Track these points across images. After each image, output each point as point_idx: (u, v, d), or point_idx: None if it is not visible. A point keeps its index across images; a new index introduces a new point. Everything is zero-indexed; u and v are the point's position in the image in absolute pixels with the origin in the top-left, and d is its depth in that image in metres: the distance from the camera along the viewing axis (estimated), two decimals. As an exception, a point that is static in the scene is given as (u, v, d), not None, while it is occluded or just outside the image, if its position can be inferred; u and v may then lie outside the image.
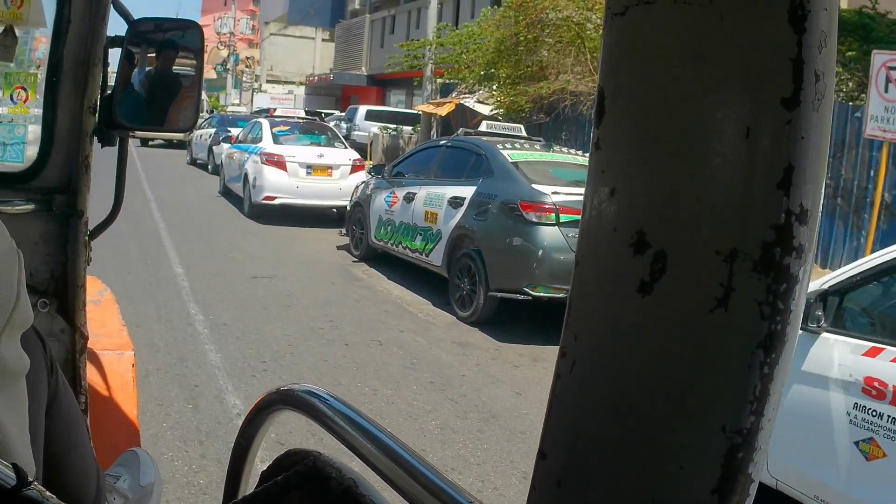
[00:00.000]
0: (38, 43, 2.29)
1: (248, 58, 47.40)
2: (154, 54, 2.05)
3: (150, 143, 31.47)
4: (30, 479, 0.68)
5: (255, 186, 14.36)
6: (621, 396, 0.54)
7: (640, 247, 0.53)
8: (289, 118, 16.61)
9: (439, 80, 25.19)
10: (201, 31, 2.10)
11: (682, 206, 0.51)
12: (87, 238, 2.04)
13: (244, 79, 46.97)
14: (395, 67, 27.03)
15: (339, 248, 12.25)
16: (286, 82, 48.66)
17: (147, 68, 2.05)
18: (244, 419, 1.23)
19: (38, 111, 2.05)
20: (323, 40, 50.10)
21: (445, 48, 22.33)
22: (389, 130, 28.58)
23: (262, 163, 14.25)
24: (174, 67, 2.06)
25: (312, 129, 16.01)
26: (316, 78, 46.50)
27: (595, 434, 0.56)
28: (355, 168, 14.50)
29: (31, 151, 2.07)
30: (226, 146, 17.69)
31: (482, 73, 19.97)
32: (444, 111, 22.30)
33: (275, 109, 18.07)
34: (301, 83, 47.95)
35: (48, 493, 0.69)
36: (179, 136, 28.06)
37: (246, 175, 14.89)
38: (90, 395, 2.13)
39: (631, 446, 0.54)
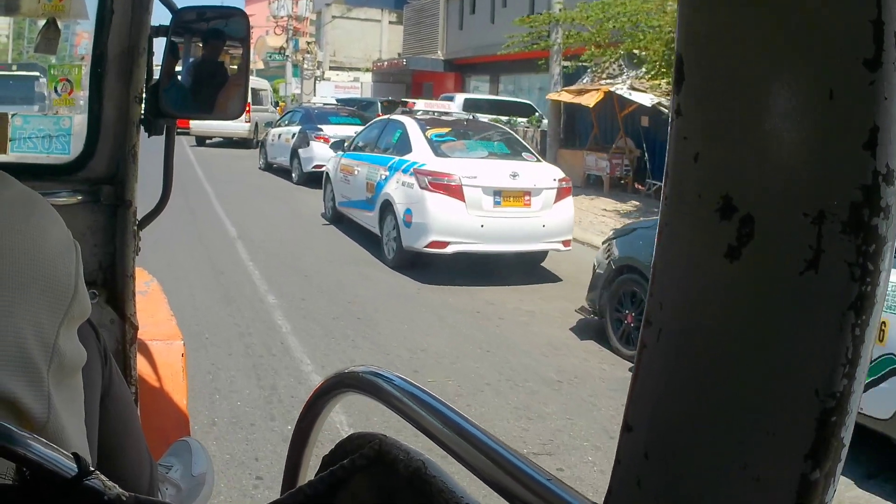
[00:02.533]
0: (80, 39, 2.41)
1: (309, 42, 42.54)
2: (199, 43, 2.06)
3: (208, 141, 26.82)
4: (91, 468, 0.68)
5: (409, 224, 8.99)
6: (711, 364, 0.54)
7: (726, 212, 0.52)
8: (443, 115, 11.26)
9: (566, 64, 21.25)
10: (246, 19, 2.09)
11: (767, 170, 0.51)
12: (135, 228, 2.03)
13: (305, 66, 42.08)
14: (515, 48, 23.30)
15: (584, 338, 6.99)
16: (351, 69, 43.84)
17: (192, 57, 2.05)
18: (305, 403, 1.19)
19: (84, 103, 2.05)
20: (390, 23, 45.53)
21: (575, 24, 19.23)
22: (505, 124, 23.48)
23: (422, 187, 8.87)
24: (219, 56, 2.06)
25: (486, 131, 10.60)
26: (385, 64, 41.80)
27: (683, 403, 0.55)
28: (562, 193, 9.19)
29: (78, 143, 2.06)
30: (332, 155, 12.60)
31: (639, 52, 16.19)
32: (590, 100, 17.14)
33: (413, 103, 12.58)
34: (367, 69, 43.10)
35: (110, 482, 0.70)
36: (240, 132, 24.81)
37: (390, 204, 9.54)
38: (140, 385, 2.12)
39: (721, 414, 0.53)
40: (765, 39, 0.50)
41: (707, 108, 0.54)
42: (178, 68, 2.03)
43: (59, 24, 2.02)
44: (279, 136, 18.66)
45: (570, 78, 21.78)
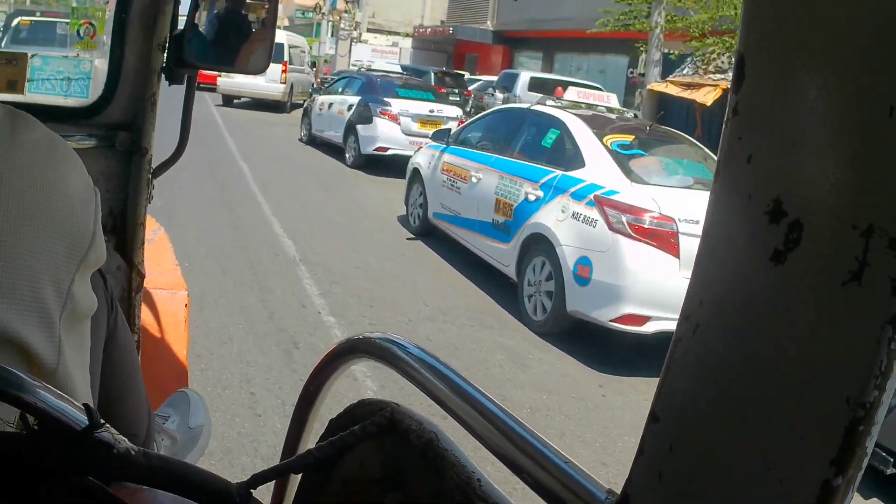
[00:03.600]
0: None
1: (348, 1, 39.16)
2: None
3: (235, 101, 23.68)
4: (101, 420, 0.68)
5: (585, 281, 5.74)
6: (745, 362, 0.54)
7: (775, 215, 0.52)
8: (608, 112, 8.03)
9: (668, 52, 18.76)
10: None
11: (821, 178, 0.51)
12: (150, 176, 2.02)
13: (342, 26, 38.70)
14: (609, 26, 20.63)
15: None
16: (390, 33, 40.46)
17: (217, 7, 2.04)
18: (315, 366, 1.16)
19: (106, 47, 2.04)
20: (435, -14, 41.89)
21: (679, 6, 17.32)
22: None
23: (615, 228, 5.64)
24: (245, 8, 2.04)
25: (673, 143, 7.23)
26: (428, 30, 38.48)
27: (714, 400, 0.55)
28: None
29: (97, 87, 2.06)
30: (428, 148, 9.32)
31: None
32: (707, 98, 14.41)
33: (562, 89, 9.70)
34: (407, 34, 39.75)
35: (119, 435, 0.70)
36: (273, 94, 23.47)
37: (545, 242, 6.32)
38: (142, 333, 2.11)
39: (751, 414, 0.53)
40: (830, 48, 0.50)
41: (765, 110, 0.54)
42: (204, 19, 2.00)
43: None
44: (329, 105, 15.44)
45: (668, 68, 18.92)
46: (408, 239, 9.01)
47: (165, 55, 1.96)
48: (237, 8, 2.04)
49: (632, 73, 28.71)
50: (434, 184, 8.66)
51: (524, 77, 24.41)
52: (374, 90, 14.29)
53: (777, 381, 0.52)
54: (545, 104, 8.01)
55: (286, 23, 44.52)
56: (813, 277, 0.51)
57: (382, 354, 1.03)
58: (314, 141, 16.37)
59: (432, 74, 24.35)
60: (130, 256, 2.01)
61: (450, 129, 8.97)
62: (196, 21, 1.97)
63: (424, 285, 7.20)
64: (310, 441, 1.11)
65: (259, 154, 14.25)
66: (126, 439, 0.69)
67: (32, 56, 2.10)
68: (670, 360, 0.59)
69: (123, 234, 2.02)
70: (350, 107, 14.38)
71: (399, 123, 13.42)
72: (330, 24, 39.70)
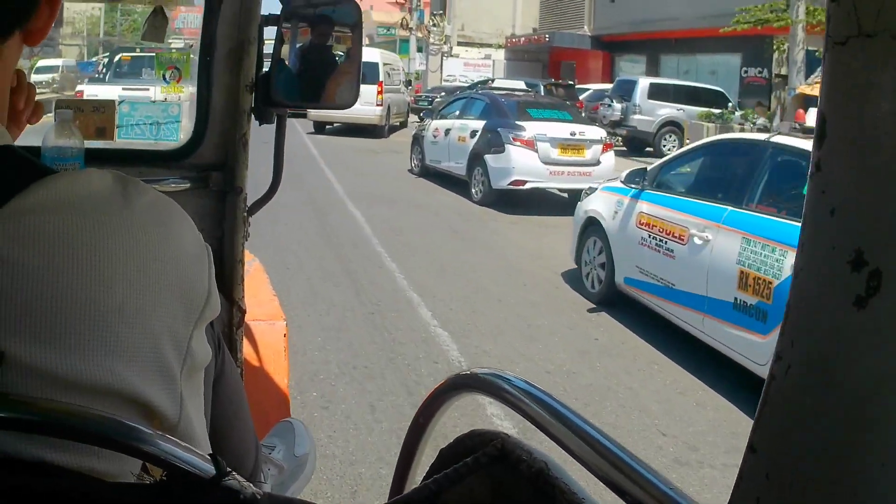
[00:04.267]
0: (177, 13, 2.37)
1: (435, 14, 37.54)
2: (309, 31, 2.06)
3: (328, 127, 22.15)
4: (228, 469, 0.70)
5: None
6: (833, 399, 0.57)
7: (857, 264, 0.55)
8: None
9: (815, 50, 17.48)
10: (357, 6, 2.05)
11: None
12: (245, 214, 2.04)
13: (431, 41, 37.06)
14: (745, 24, 19.19)
15: None
16: (481, 45, 38.61)
17: (302, 46, 2.05)
18: (424, 399, 1.20)
19: (192, 90, 2.07)
20: (524, -7, 39.94)
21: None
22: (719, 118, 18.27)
23: None
24: (329, 44, 2.06)
25: None
26: (522, 39, 36.50)
27: (805, 432, 0.59)
28: None
29: (186, 130, 2.10)
30: (605, 191, 7.21)
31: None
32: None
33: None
34: (499, 45, 37.86)
35: (245, 481, 0.72)
36: (369, 118, 21.69)
37: None
38: (243, 365, 2.14)
39: (839, 444, 0.57)
40: None
41: (846, 167, 0.57)
42: (288, 58, 2.02)
43: (166, 11, 2.04)
44: (446, 132, 13.50)
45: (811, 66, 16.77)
46: (589, 311, 6.94)
47: (253, 95, 1.96)
48: (321, 42, 2.05)
49: (746, 72, 26.38)
50: (625, 240, 6.58)
51: (643, 84, 22.22)
52: (501, 112, 12.29)
53: (863, 416, 0.55)
54: (789, 134, 5.88)
55: (366, 41, 43.08)
56: (893, 321, 0.54)
57: (490, 388, 1.07)
58: (428, 172, 14.48)
59: (541, 87, 22.38)
60: (230, 293, 2.02)
61: (645, 169, 6.86)
62: (281, 59, 1.99)
63: (645, 395, 5.13)
64: (419, 470, 1.15)
65: (368, 191, 12.44)
66: (251, 485, 0.72)
67: (120, 102, 2.13)
68: (766, 396, 0.62)
69: (222, 271, 2.00)
70: (474, 133, 12.41)
71: (536, 151, 11.40)
72: (417, 38, 38.07)
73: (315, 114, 22.24)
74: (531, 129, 11.56)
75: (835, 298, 0.57)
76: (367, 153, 18.52)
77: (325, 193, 12.09)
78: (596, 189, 7.54)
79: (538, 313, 6.76)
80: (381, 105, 22.19)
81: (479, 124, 12.43)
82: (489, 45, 38.63)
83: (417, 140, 14.99)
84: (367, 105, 21.96)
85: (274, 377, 2.41)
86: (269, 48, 2.02)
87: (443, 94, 30.72)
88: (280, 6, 2.00)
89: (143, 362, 0.74)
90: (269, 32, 2.02)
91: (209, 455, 0.70)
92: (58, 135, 1.65)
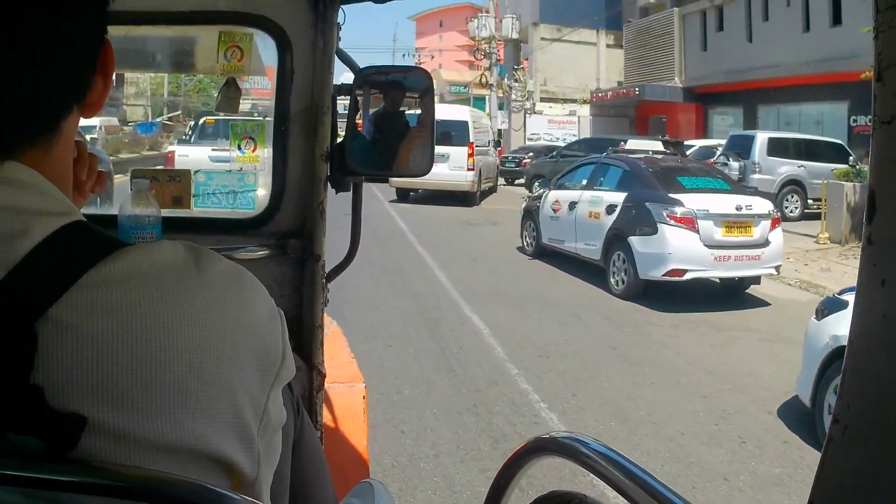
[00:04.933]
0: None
1: (516, 68, 35.72)
2: (382, 100, 2.07)
3: (412, 195, 20.28)
4: None
5: None
6: (886, 461, 0.61)
7: None
8: None
9: None
10: (428, 74, 2.10)
11: None
12: (324, 280, 2.05)
13: (514, 97, 35.21)
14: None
15: None
16: (565, 100, 36.60)
17: (375, 115, 2.08)
18: (504, 463, 1.24)
19: (267, 159, 2.10)
20: (607, 46, 38.18)
21: None
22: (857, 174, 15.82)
23: None
24: (402, 111, 2.08)
25: None
26: (609, 94, 34.42)
27: (861, 492, 0.63)
28: None
29: (263, 198, 2.12)
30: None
31: None
32: None
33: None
34: (584, 101, 35.82)
35: None
36: (460, 183, 20.18)
37: None
38: (322, 427, 2.19)
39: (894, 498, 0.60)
40: None
41: (895, 239, 0.61)
42: (362, 126, 2.05)
43: (239, 83, 2.06)
44: (570, 205, 11.30)
45: None
46: None
47: (329, 164, 1.98)
48: (393, 109, 2.05)
49: (855, 121, 23.99)
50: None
51: (762, 139, 19.81)
52: (646, 182, 10.05)
53: None
54: None
55: (438, 99, 41.42)
56: None
57: (567, 451, 1.10)
58: (544, 253, 12.29)
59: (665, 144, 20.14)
60: (310, 357, 2.04)
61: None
62: (355, 128, 2.01)
63: None
64: None
65: (480, 281, 10.34)
66: None
67: (196, 172, 2.14)
68: (824, 455, 0.66)
69: (301, 336, 2.04)
70: (611, 208, 10.19)
71: (697, 231, 9.12)
72: (498, 96, 36.28)
73: (400, 180, 20.47)
74: (688, 202, 9.30)
75: (888, 367, 0.60)
76: (462, 225, 16.48)
77: (429, 287, 9.98)
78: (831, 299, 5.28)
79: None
80: (473, 169, 20.21)
81: (617, 197, 10.21)
82: (573, 101, 36.61)
83: (530, 214, 12.81)
84: (457, 169, 20.02)
85: (352, 439, 2.41)
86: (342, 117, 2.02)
87: (530, 154, 28.75)
88: (353, 75, 2.01)
89: (223, 423, 0.75)
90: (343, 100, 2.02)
91: None
92: (134, 204, 1.69)
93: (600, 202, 10.52)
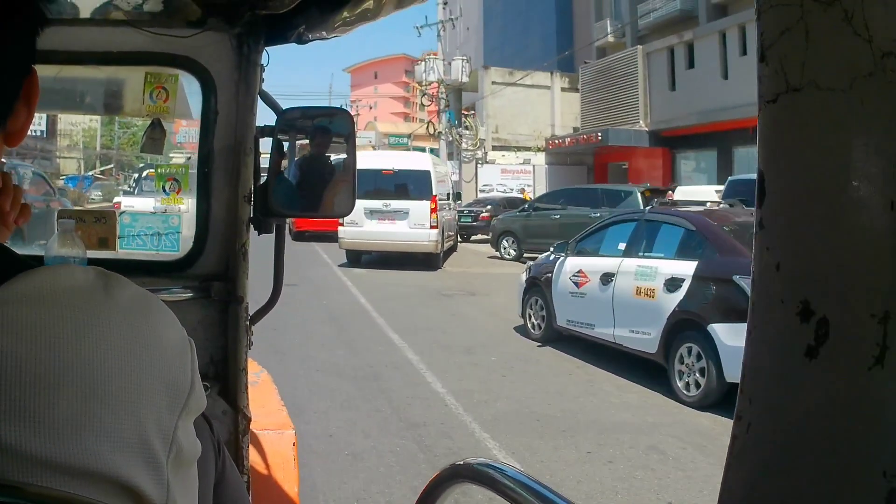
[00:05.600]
0: (178, 126, 2.39)
1: (466, 115, 32.88)
2: (304, 141, 2.11)
3: (364, 257, 17.29)
4: None
5: None
6: (794, 451, 0.60)
7: (805, 315, 0.59)
8: None
9: None
10: (350, 117, 2.14)
11: (839, 277, 0.57)
12: (248, 323, 2.05)
13: (464, 146, 32.35)
14: None
15: None
16: (519, 148, 33.94)
17: (298, 156, 2.10)
18: (421, 492, 1.22)
19: (192, 201, 2.09)
20: (562, 90, 35.70)
21: None
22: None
23: None
24: (325, 154, 2.09)
25: None
26: (568, 140, 31.91)
27: (770, 488, 0.61)
28: None
29: (187, 240, 2.11)
30: None
31: None
32: None
33: None
34: (539, 149, 33.25)
35: None
36: (421, 244, 17.06)
37: None
38: (251, 474, 2.15)
39: (804, 496, 0.59)
40: (832, 157, 0.57)
41: (786, 222, 0.61)
42: (287, 169, 2.05)
43: (164, 124, 2.07)
44: (605, 279, 8.17)
45: None
46: None
47: (252, 205, 1.99)
48: (318, 154, 2.08)
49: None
50: None
51: (770, 184, 17.18)
52: (724, 246, 7.07)
53: (824, 464, 0.57)
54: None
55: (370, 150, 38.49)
56: (843, 366, 0.56)
57: (482, 479, 1.10)
58: (559, 337, 9.20)
59: (638, 195, 17.36)
60: (235, 401, 2.03)
61: None
62: (278, 169, 2.01)
63: None
64: None
65: (487, 389, 7.27)
66: None
67: (121, 213, 2.18)
68: (730, 458, 0.64)
69: (226, 380, 2.03)
70: (674, 283, 7.17)
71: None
72: (447, 143, 33.36)
73: (348, 238, 17.28)
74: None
75: (787, 351, 0.59)
76: (435, 297, 13.33)
77: (424, 408, 6.76)
78: None
79: None
80: (436, 227, 17.11)
81: (681, 268, 7.20)
82: (527, 149, 33.95)
83: (536, 287, 9.66)
84: (417, 227, 16.93)
85: (283, 486, 2.39)
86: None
87: (488, 207, 25.88)
88: (275, 117, 2.03)
89: (128, 448, 0.75)
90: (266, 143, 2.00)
91: None
92: (60, 244, 1.71)
93: (654, 275, 7.48)
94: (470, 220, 25.19)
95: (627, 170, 31.04)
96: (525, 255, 19.53)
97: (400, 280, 15.39)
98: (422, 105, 36.82)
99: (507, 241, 20.14)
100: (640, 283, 7.61)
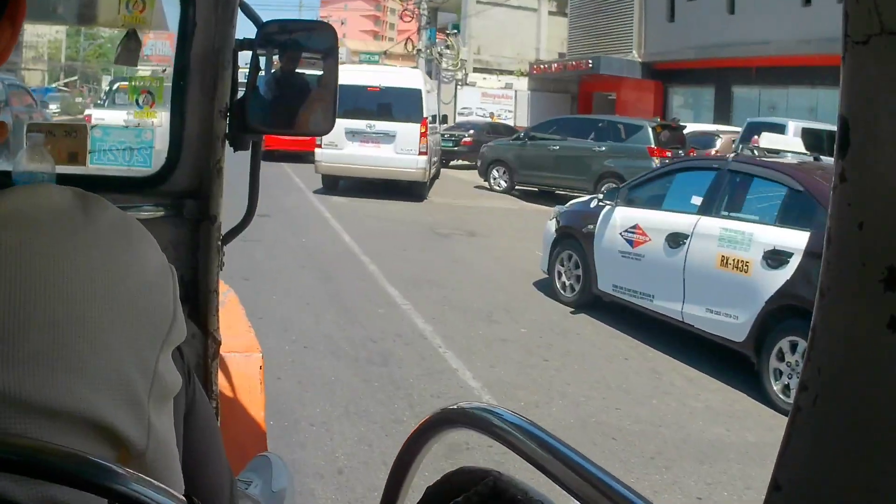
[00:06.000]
0: (146, 39, 2.27)
1: (448, 33, 30.82)
2: (284, 56, 1.99)
3: (342, 183, 15.55)
4: None
5: None
6: (865, 430, 0.53)
7: (891, 283, 0.51)
8: None
9: None
10: (333, 31, 2.02)
11: None
12: (219, 243, 1.99)
13: (445, 66, 30.31)
14: None
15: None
16: (501, 72, 31.98)
17: (278, 71, 2.00)
18: (409, 435, 1.13)
19: (166, 115, 2.03)
20: (550, 13, 33.62)
21: None
22: None
23: None
24: (304, 69, 2.00)
25: None
26: (553, 66, 30.14)
27: (836, 469, 0.55)
28: None
29: (160, 156, 2.04)
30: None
31: None
32: None
33: None
34: (522, 73, 31.35)
35: None
36: (408, 171, 15.37)
37: None
38: (218, 399, 2.08)
39: (874, 483, 0.52)
40: None
41: (873, 175, 0.52)
42: (264, 84, 1.97)
43: (140, 35, 2.00)
44: (672, 239, 6.54)
45: None
46: None
47: (228, 121, 1.92)
48: (294, 67, 1.98)
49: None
50: None
51: (793, 129, 15.68)
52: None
53: None
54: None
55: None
56: None
57: (478, 423, 1.02)
58: (598, 304, 7.66)
59: (649, 129, 15.77)
60: (205, 324, 1.98)
61: None
62: (256, 84, 1.95)
63: None
64: None
65: (521, 377, 5.70)
66: None
67: (93, 127, 2.09)
68: (790, 429, 0.58)
69: (196, 302, 1.97)
70: (775, 256, 5.61)
71: None
72: (427, 61, 31.27)
73: (324, 161, 15.47)
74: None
75: (867, 321, 0.52)
76: (428, 235, 11.70)
77: (442, 380, 5.18)
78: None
79: None
80: (426, 153, 15.35)
81: (786, 237, 5.65)
82: (510, 73, 32.03)
83: (572, 240, 8.03)
84: (405, 153, 15.16)
85: (250, 410, 2.32)
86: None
87: (471, 131, 24.08)
88: (255, 30, 1.93)
89: (107, 385, 0.71)
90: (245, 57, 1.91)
91: (184, 496, 0.67)
92: (29, 159, 1.65)
93: (747, 242, 5.89)
94: (451, 144, 23.42)
95: (615, 101, 29.34)
96: (517, 187, 17.93)
97: (385, 212, 13.71)
98: (392, 24, 34.47)
99: (497, 170, 18.45)
100: (726, 250, 6.03)
